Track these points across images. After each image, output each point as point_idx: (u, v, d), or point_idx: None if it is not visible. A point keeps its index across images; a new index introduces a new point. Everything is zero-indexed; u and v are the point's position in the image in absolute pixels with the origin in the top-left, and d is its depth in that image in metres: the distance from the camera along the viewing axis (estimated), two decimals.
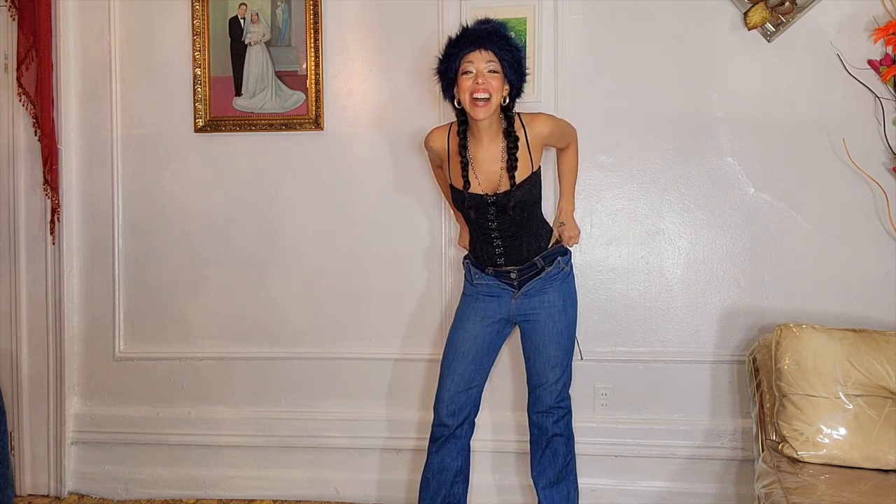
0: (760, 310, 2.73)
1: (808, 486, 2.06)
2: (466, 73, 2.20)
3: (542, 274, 2.36)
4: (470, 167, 2.31)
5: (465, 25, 2.26)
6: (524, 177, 2.29)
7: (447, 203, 2.78)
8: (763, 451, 2.35)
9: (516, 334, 2.54)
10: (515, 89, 2.27)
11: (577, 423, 2.76)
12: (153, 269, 2.99)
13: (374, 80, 2.87)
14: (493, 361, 2.49)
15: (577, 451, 2.66)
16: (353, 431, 2.92)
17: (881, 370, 2.24)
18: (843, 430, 2.21)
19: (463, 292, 2.51)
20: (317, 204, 2.91)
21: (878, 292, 2.66)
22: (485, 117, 2.21)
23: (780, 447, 2.28)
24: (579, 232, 2.58)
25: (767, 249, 2.72)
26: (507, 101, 2.26)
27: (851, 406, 2.22)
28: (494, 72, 2.20)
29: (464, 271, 2.52)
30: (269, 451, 2.97)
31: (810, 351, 2.29)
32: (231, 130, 2.91)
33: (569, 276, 2.42)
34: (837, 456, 2.20)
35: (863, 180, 2.64)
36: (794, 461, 2.22)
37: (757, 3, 2.62)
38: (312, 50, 2.84)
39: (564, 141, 2.45)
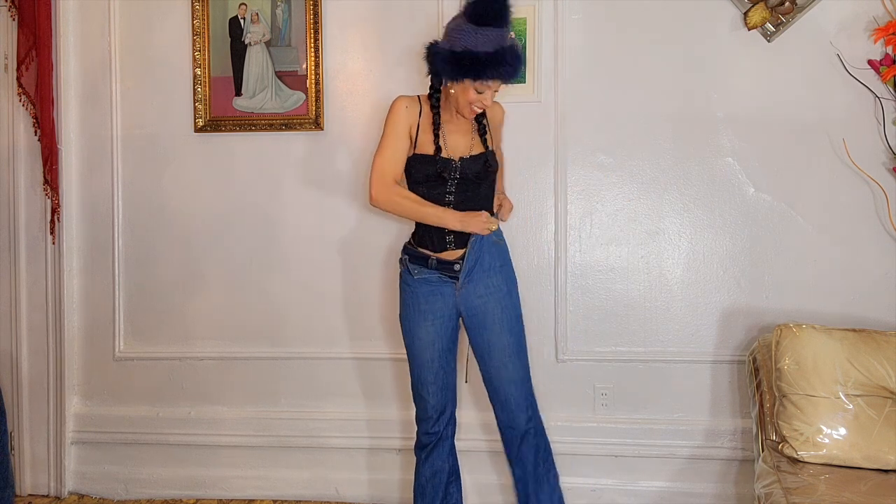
0: (760, 310, 2.73)
1: (808, 486, 2.06)
2: (477, 90, 2.18)
3: (480, 239, 2.29)
4: (441, 133, 2.30)
5: (495, 48, 2.12)
6: (481, 150, 2.33)
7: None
8: (763, 451, 2.35)
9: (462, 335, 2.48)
10: None
11: (576, 423, 2.77)
12: (153, 269, 2.99)
13: (374, 80, 2.87)
14: (456, 357, 2.43)
15: (576, 451, 2.67)
16: (353, 431, 2.92)
17: (881, 370, 2.24)
18: (843, 430, 2.21)
19: (401, 298, 2.39)
20: (317, 204, 2.91)
21: (878, 292, 2.66)
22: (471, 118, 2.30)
23: (780, 447, 2.28)
24: (512, 206, 2.52)
25: (767, 249, 2.72)
26: None
27: (851, 406, 2.22)
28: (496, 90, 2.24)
29: (399, 270, 2.41)
30: (269, 451, 2.97)
31: (810, 351, 2.29)
32: (231, 130, 2.91)
33: (506, 256, 2.36)
34: (837, 456, 2.20)
35: (863, 180, 2.64)
36: (794, 461, 2.22)
37: (757, 3, 2.62)
38: (312, 50, 2.84)
39: (496, 146, 2.45)
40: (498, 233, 2.36)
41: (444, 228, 2.28)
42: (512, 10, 2.14)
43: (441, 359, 2.36)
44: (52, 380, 2.99)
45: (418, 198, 2.29)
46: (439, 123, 2.29)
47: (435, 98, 2.30)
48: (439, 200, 2.29)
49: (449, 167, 2.27)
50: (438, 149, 2.27)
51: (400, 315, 2.40)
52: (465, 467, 2.81)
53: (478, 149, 2.32)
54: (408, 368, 2.86)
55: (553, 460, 2.41)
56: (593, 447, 2.79)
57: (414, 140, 2.30)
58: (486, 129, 2.35)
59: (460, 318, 2.39)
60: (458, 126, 2.32)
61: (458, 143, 2.31)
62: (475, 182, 2.30)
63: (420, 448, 2.43)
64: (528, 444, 2.37)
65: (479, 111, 2.25)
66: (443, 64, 2.16)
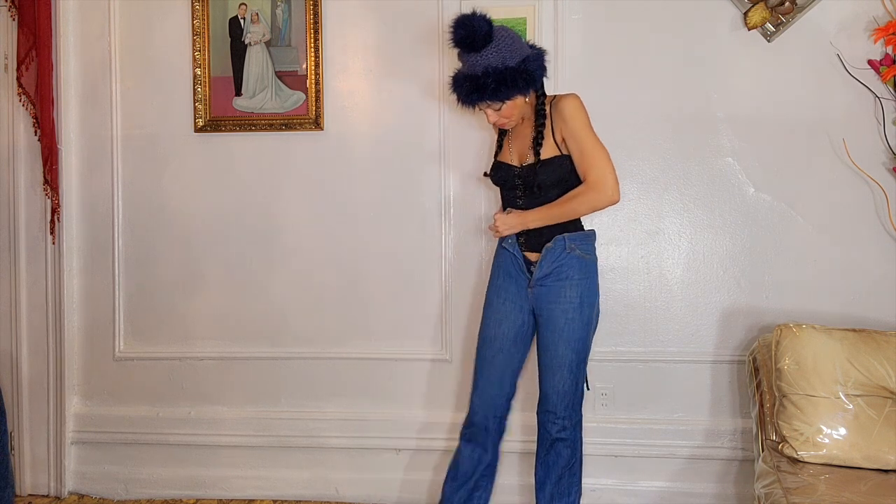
0: (760, 310, 2.73)
1: (808, 486, 2.06)
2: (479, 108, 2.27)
3: (559, 252, 2.29)
4: (506, 139, 2.40)
5: (455, 74, 2.20)
6: (549, 155, 2.29)
7: (451, 202, 2.81)
8: (763, 451, 2.35)
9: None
10: (535, 88, 2.29)
11: None
12: (153, 269, 2.99)
13: (374, 80, 2.87)
14: (523, 358, 2.42)
15: None
16: (353, 431, 2.92)
17: (881, 370, 2.24)
18: (843, 430, 2.21)
19: (492, 265, 2.47)
20: (317, 204, 2.91)
21: (878, 292, 2.66)
22: (512, 127, 2.35)
23: (780, 447, 2.28)
24: (503, 226, 2.32)
25: (767, 249, 2.72)
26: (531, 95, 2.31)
27: (851, 406, 2.22)
28: (503, 107, 2.23)
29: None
30: (269, 451, 2.97)
31: (810, 351, 2.29)
32: (231, 130, 2.91)
33: (589, 270, 2.34)
34: (837, 456, 2.20)
35: (863, 180, 2.64)
36: (794, 461, 2.22)
37: (757, 3, 2.62)
38: (312, 50, 2.84)
39: (578, 150, 2.24)
40: (586, 248, 2.35)
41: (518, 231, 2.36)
42: (486, 31, 2.12)
43: (501, 344, 2.38)
44: (52, 380, 2.99)
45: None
46: (504, 130, 2.39)
47: None
48: (513, 204, 2.37)
49: (510, 174, 2.34)
50: (498, 153, 2.40)
51: (486, 290, 2.47)
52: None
53: (531, 158, 2.31)
54: (406, 369, 2.89)
55: (580, 478, 2.43)
56: (593, 447, 2.78)
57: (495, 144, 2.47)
58: (542, 136, 2.28)
59: (534, 322, 2.41)
60: (521, 130, 2.37)
61: (521, 146, 2.36)
62: (544, 189, 2.30)
63: (463, 428, 2.45)
64: (557, 452, 2.39)
65: (502, 125, 2.31)
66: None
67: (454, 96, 2.23)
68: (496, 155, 2.44)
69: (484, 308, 2.45)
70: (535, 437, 2.45)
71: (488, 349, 2.39)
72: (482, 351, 2.41)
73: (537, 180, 2.27)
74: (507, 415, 2.46)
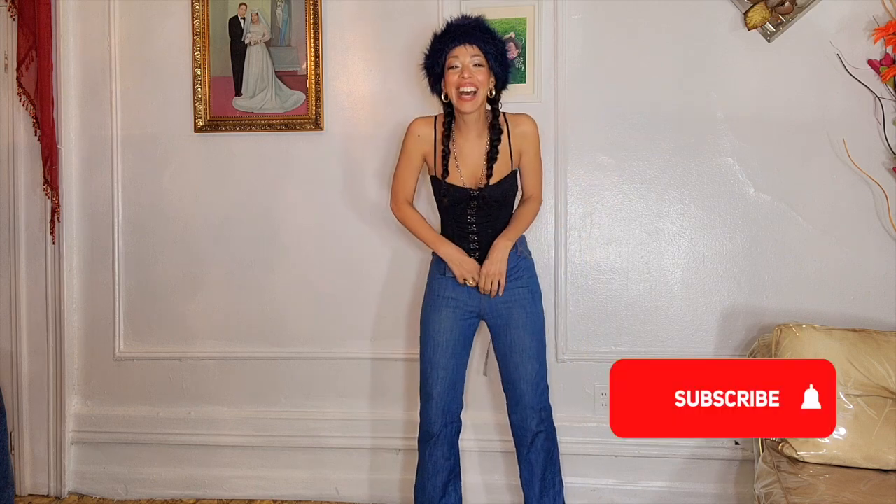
0: (760, 310, 2.73)
1: (808, 486, 2.06)
2: (452, 67, 2.27)
3: (512, 256, 2.36)
4: (452, 158, 2.36)
5: (448, 21, 2.32)
6: (504, 174, 2.36)
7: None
8: (763, 450, 2.35)
9: (484, 331, 2.53)
10: (501, 81, 2.33)
11: (576, 423, 2.77)
12: (153, 269, 2.99)
13: (374, 80, 2.87)
14: (468, 357, 2.47)
15: (576, 451, 2.67)
16: (354, 431, 2.92)
17: (881, 370, 2.24)
18: (843, 430, 2.20)
19: (427, 289, 2.47)
20: (317, 204, 2.91)
21: (878, 292, 2.66)
22: (472, 110, 2.29)
23: (780, 447, 2.28)
24: (497, 275, 2.32)
25: (767, 249, 2.72)
26: (493, 93, 2.33)
27: (851, 406, 2.22)
28: (480, 65, 2.27)
29: (431, 263, 2.50)
30: (269, 451, 2.97)
31: (810, 351, 2.29)
32: (231, 130, 2.91)
33: (532, 269, 2.44)
34: (837, 456, 2.20)
35: (863, 180, 2.64)
36: (794, 461, 2.22)
37: (757, 3, 2.62)
38: (312, 50, 2.84)
39: (531, 170, 2.43)
40: (527, 249, 2.44)
41: (471, 244, 2.37)
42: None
43: (454, 349, 2.39)
44: (52, 380, 2.99)
45: (422, 221, 2.46)
46: (449, 145, 2.36)
47: (447, 114, 2.37)
48: (461, 221, 2.37)
49: (464, 195, 2.34)
50: (446, 173, 2.35)
51: (422, 307, 2.46)
52: (477, 467, 2.84)
53: (489, 173, 2.34)
54: (406, 369, 2.88)
55: (560, 468, 2.45)
56: (593, 447, 2.79)
57: (432, 162, 2.41)
58: (497, 150, 2.34)
59: (480, 323, 2.44)
60: (469, 148, 2.36)
61: (473, 166, 2.35)
62: (496, 205, 2.35)
63: (422, 442, 2.45)
64: (538, 447, 2.41)
65: (469, 92, 2.25)
66: (425, 70, 2.33)
67: (433, 54, 2.30)
68: (441, 176, 2.36)
69: (427, 316, 2.43)
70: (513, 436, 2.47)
71: (441, 356, 2.39)
72: (434, 359, 2.40)
73: (500, 197, 2.34)
74: (461, 412, 2.48)
